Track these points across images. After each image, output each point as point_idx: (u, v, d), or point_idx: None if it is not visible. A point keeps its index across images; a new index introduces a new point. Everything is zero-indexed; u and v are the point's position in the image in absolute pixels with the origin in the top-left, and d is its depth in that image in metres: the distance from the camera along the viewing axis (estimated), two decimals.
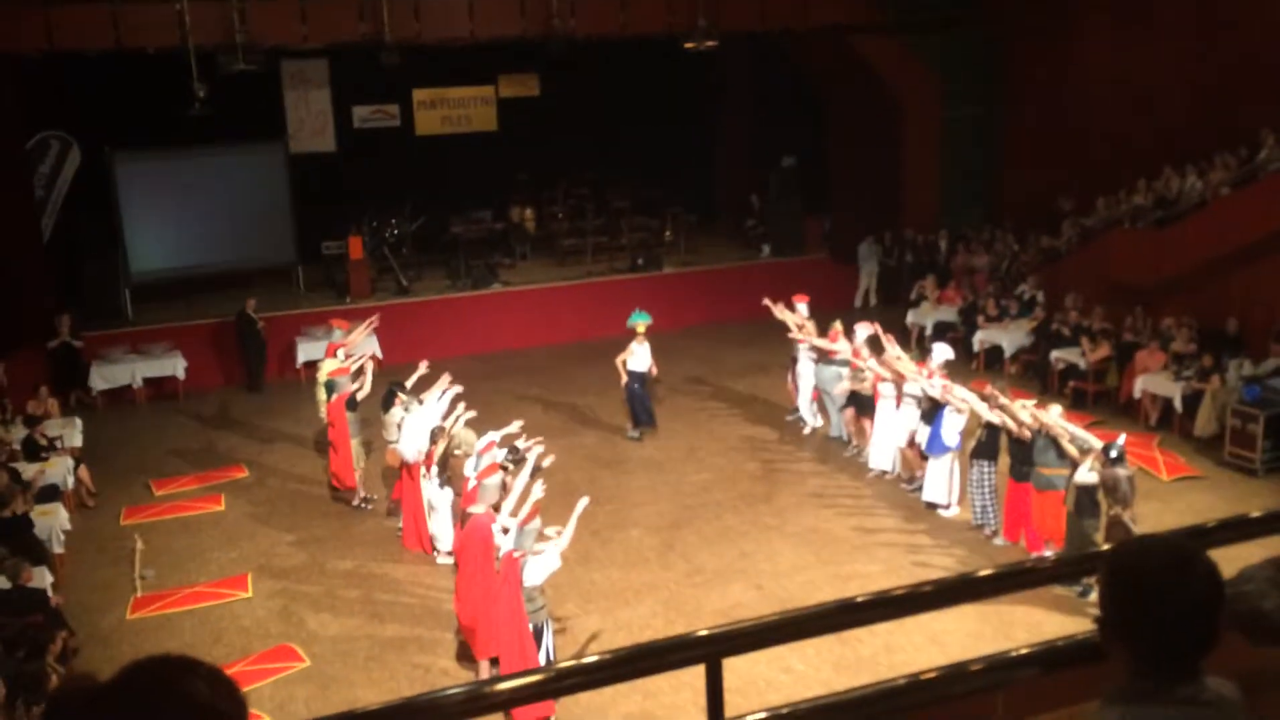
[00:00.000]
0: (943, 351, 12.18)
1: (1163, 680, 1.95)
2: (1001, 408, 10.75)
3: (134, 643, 9.49)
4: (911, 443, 12.16)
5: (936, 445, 11.56)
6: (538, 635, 8.35)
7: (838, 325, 13.66)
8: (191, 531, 11.96)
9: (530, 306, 19.24)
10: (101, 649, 9.46)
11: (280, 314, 17.93)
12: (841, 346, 13.32)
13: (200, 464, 13.94)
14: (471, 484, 9.64)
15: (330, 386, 12.79)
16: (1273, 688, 2.40)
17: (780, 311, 14.37)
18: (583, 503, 8.73)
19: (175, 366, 16.90)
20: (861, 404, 13.07)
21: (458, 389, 11.78)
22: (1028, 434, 10.34)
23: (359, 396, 12.35)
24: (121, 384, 16.64)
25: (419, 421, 11.36)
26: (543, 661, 8.52)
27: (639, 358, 14.15)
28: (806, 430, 14.24)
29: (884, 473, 12.68)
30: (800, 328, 14.14)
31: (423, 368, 12.33)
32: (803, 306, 14.50)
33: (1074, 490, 9.71)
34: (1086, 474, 9.61)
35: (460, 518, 9.11)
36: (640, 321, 14.25)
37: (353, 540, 11.62)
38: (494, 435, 10.22)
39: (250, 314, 17.12)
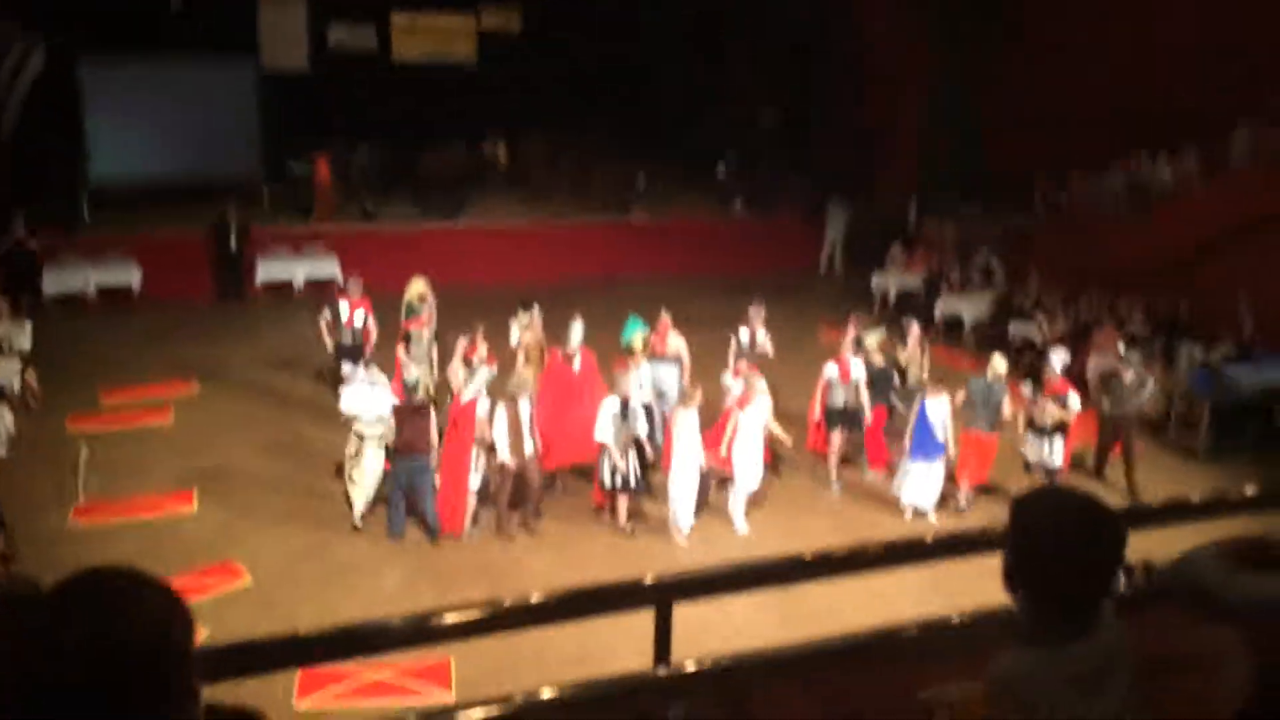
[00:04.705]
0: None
1: (1062, 626, 2.02)
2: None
3: (73, 550, 9.37)
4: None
5: (930, 446, 10.57)
6: None
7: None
8: (138, 443, 11.83)
9: (497, 243, 19.06)
10: (38, 553, 9.32)
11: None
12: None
13: (151, 376, 13.76)
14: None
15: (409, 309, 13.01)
16: (1209, 666, 2.45)
17: None
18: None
19: (130, 275, 16.60)
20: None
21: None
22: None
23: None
24: (75, 290, 16.34)
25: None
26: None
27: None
28: None
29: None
30: None
31: None
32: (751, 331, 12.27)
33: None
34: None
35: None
36: (637, 334, 11.23)
37: (303, 456, 11.53)
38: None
39: (226, 222, 16.90)
